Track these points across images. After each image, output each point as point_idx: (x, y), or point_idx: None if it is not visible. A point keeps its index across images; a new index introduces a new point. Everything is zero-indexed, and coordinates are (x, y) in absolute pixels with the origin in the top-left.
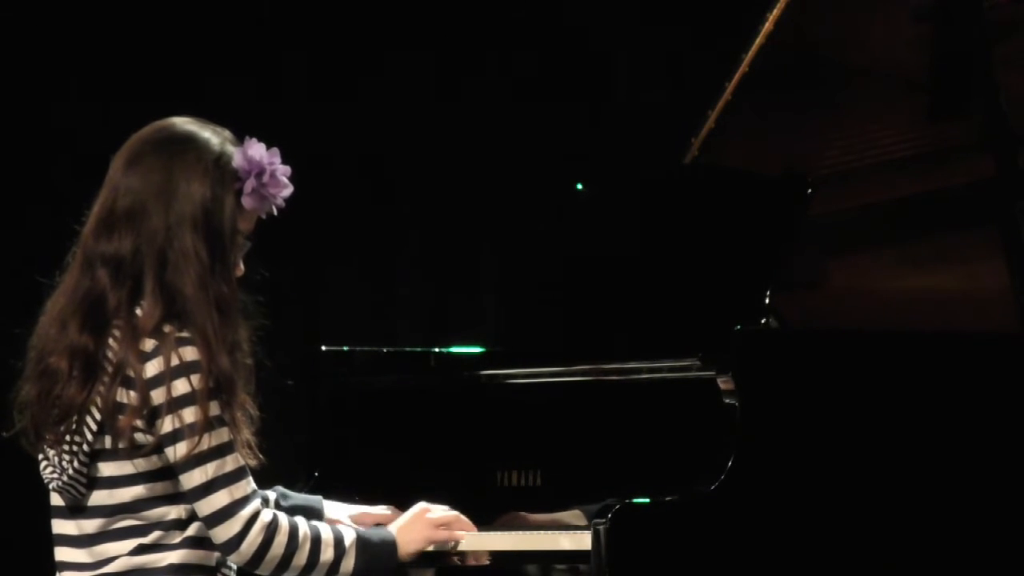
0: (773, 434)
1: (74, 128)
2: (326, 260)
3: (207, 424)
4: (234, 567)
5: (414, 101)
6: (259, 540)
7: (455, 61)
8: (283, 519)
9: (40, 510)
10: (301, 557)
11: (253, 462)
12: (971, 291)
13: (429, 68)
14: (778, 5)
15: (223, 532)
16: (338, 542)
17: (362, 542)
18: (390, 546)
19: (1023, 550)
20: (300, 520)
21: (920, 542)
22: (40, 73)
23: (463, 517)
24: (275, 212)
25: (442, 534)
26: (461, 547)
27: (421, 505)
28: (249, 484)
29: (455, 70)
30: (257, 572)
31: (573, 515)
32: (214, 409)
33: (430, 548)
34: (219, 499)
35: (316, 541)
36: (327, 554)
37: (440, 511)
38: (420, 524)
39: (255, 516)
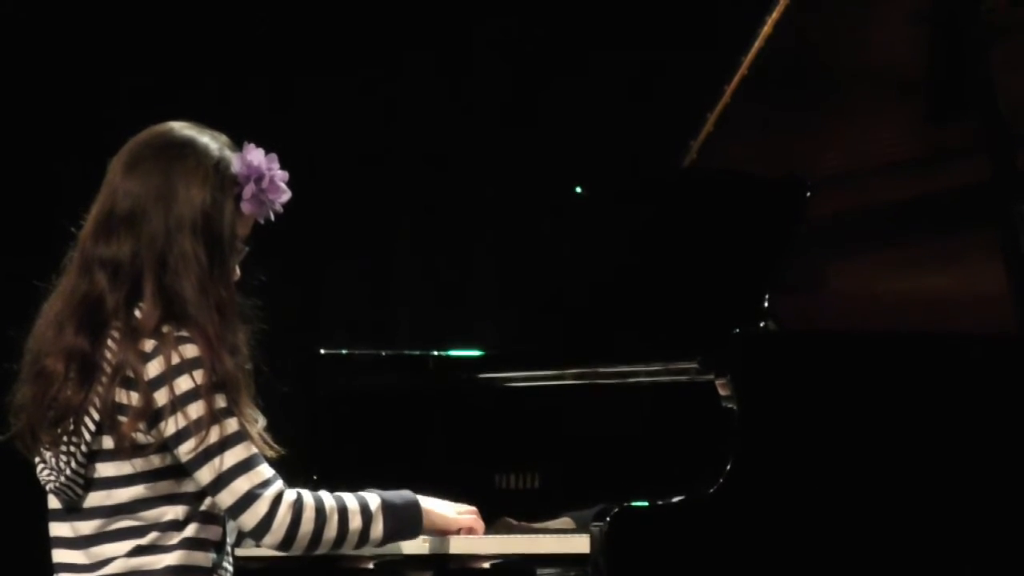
0: (772, 437)
1: (72, 131)
2: (324, 264)
3: (213, 417)
4: (231, 568)
5: (412, 104)
6: (288, 519)
7: (454, 62)
8: (307, 495)
9: (39, 512)
10: (331, 530)
11: (270, 452)
12: (969, 293)
13: (428, 70)
14: (777, 8)
15: (251, 518)
16: (364, 508)
17: (387, 505)
18: (414, 507)
19: (1021, 551)
20: (324, 493)
21: (919, 544)
22: (37, 74)
23: (479, 518)
24: (272, 217)
25: (467, 520)
26: (457, 549)
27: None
28: (266, 468)
29: (453, 72)
30: (290, 552)
31: (571, 518)
32: (219, 402)
33: (432, 536)
34: (239, 486)
35: (343, 511)
36: (355, 522)
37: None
38: (446, 504)
39: (280, 496)
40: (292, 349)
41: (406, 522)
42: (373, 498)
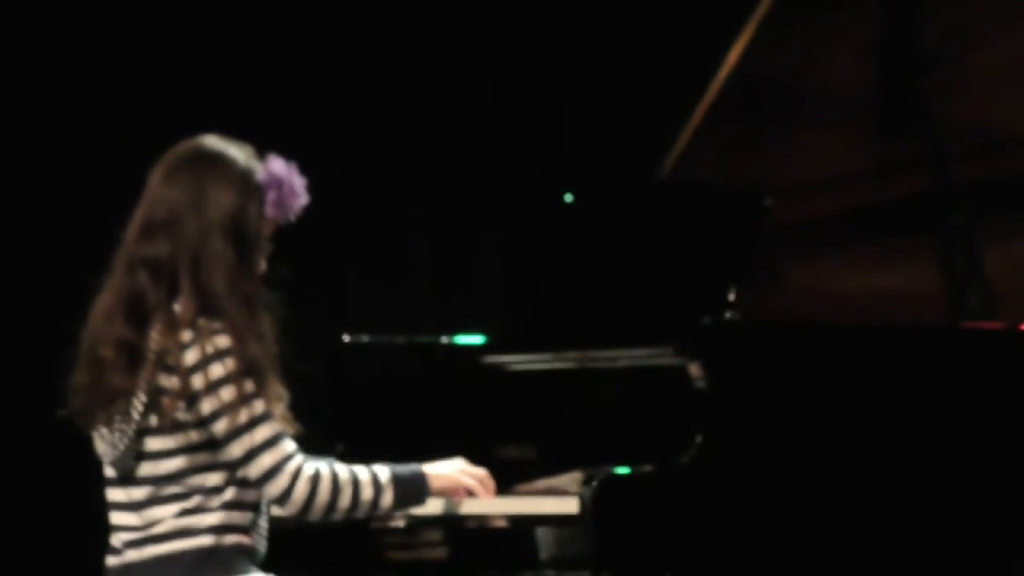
0: (736, 412)
1: (119, 145)
2: (347, 260)
3: (242, 400)
4: (266, 526)
5: (418, 115)
6: (307, 491)
7: (456, 81)
8: (324, 469)
9: (96, 479)
10: (344, 500)
11: (292, 429)
12: (911, 289)
13: (429, 83)
14: (742, 37)
15: (274, 488)
16: (375, 480)
17: (396, 477)
18: (420, 478)
19: (965, 511)
20: (339, 467)
21: (873, 506)
22: (94, 87)
23: (490, 479)
24: (292, 219)
25: (469, 481)
26: (466, 510)
27: (459, 460)
28: (289, 444)
29: (455, 88)
30: (308, 519)
31: (565, 483)
32: (248, 387)
33: (446, 494)
34: (264, 461)
35: (355, 484)
36: (366, 493)
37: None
38: (451, 466)
39: (299, 470)
40: (319, 336)
41: (413, 491)
42: (383, 471)
